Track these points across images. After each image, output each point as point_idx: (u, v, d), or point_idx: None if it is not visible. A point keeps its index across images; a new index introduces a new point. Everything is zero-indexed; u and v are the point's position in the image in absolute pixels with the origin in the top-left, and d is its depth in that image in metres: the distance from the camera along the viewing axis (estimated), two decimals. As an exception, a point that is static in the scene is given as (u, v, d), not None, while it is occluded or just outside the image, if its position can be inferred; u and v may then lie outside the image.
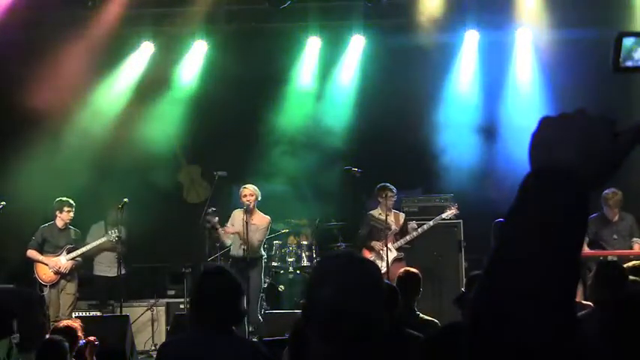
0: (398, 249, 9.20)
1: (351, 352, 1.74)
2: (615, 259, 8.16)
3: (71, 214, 9.42)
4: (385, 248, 9.00)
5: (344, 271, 1.81)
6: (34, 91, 10.08)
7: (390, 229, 9.19)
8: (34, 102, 9.99)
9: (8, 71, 10.29)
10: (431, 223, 9.24)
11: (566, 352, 1.04)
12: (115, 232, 9.46)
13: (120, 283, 9.46)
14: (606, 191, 8.70)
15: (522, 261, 1.06)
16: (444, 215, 9.26)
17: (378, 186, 9.33)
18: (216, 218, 9.11)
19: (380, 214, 9.27)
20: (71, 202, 9.42)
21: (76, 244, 9.46)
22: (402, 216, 9.47)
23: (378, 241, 9.16)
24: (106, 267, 9.90)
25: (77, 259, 9.43)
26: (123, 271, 9.60)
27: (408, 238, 9.26)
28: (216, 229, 9.13)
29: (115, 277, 9.73)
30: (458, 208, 9.32)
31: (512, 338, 1.04)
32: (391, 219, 9.25)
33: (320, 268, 1.98)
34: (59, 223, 9.43)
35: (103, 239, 9.55)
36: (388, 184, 9.30)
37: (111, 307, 9.86)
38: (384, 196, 9.22)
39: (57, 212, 9.42)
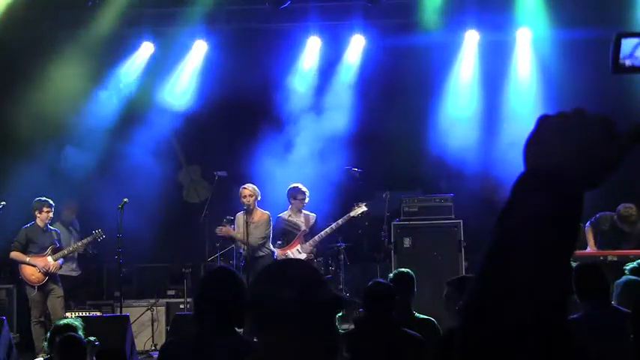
0: (309, 250, 9.27)
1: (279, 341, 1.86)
2: (615, 259, 8.15)
3: (50, 214, 9.14)
4: (294, 250, 9.16)
5: (266, 270, 2.04)
6: (33, 91, 10.08)
7: (299, 229, 9.25)
8: (33, 102, 10.00)
9: (9, 71, 10.29)
10: (339, 221, 9.34)
11: (561, 351, 1.04)
12: (99, 231, 9.39)
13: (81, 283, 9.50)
14: (620, 207, 8.60)
15: (514, 261, 1.06)
16: (352, 213, 9.35)
17: (290, 187, 9.37)
18: (232, 226, 9.15)
19: (290, 215, 9.35)
20: (50, 201, 9.16)
21: (59, 244, 9.26)
22: (312, 217, 9.51)
23: (289, 241, 9.28)
24: (69, 267, 9.87)
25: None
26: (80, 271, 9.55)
27: (317, 238, 9.33)
28: (235, 237, 9.18)
29: (78, 277, 9.83)
30: (367, 206, 9.37)
31: (506, 338, 1.04)
32: (300, 220, 9.34)
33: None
34: (40, 223, 9.14)
35: (90, 239, 9.44)
36: (299, 186, 9.35)
37: (111, 307, 9.87)
38: (295, 197, 9.27)
39: (36, 212, 9.11)
